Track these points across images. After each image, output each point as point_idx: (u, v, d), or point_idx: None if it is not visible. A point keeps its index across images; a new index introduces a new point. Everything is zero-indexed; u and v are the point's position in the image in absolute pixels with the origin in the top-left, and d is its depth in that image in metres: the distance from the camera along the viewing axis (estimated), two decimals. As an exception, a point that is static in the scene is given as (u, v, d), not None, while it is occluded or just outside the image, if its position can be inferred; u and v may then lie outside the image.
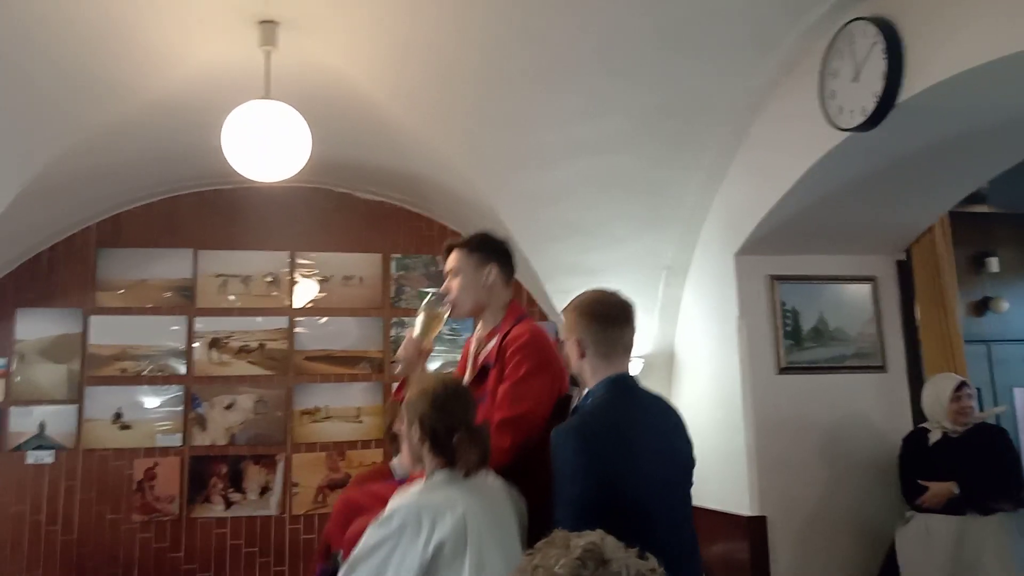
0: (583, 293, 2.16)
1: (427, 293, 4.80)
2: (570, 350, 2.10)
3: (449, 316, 2.51)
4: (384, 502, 2.04)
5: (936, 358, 4.10)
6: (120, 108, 3.62)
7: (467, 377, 2.42)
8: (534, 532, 2.07)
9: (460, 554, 1.82)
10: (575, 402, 2.22)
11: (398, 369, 2.51)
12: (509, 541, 1.95)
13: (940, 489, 3.53)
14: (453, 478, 1.94)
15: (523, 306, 2.47)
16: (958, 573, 3.41)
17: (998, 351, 5.30)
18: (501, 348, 2.29)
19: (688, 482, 2.12)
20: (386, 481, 2.66)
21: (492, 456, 2.07)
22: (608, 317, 2.08)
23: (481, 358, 2.39)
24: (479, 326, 2.49)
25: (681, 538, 2.03)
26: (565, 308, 2.16)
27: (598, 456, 1.89)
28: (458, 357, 2.80)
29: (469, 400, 2.06)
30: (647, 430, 2.01)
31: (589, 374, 2.07)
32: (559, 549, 1.16)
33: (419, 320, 2.47)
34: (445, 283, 2.48)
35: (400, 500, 1.91)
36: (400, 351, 2.49)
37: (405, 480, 2.29)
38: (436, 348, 4.79)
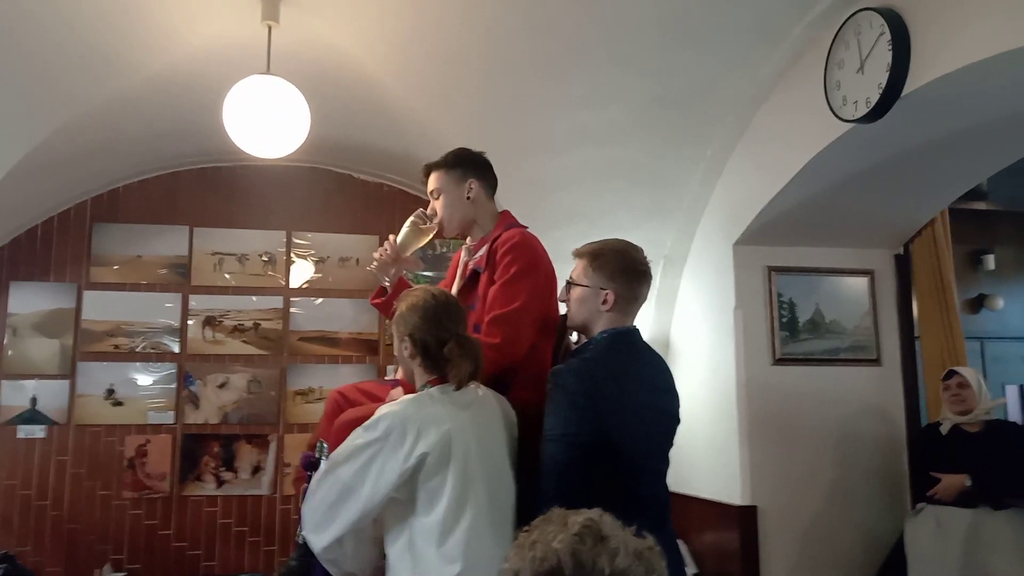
0: (608, 242, 2.12)
1: (424, 279, 4.83)
2: (589, 297, 2.06)
3: (440, 236, 2.51)
4: (374, 399, 2.05)
5: (936, 353, 4.10)
6: (121, 83, 3.59)
7: (456, 283, 2.42)
8: (521, 441, 2.08)
9: (443, 468, 1.83)
10: (573, 344, 2.21)
11: (370, 266, 2.48)
12: (496, 456, 1.96)
13: (952, 481, 3.49)
14: (443, 393, 1.93)
15: (515, 217, 2.46)
16: (969, 566, 3.38)
17: (992, 348, 5.32)
18: (491, 251, 2.28)
19: (671, 440, 2.13)
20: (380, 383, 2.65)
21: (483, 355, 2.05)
22: (642, 275, 2.09)
23: (471, 264, 2.38)
24: (468, 238, 2.47)
25: (662, 491, 2.07)
26: (591, 254, 2.09)
27: (596, 403, 1.89)
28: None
29: (459, 311, 2.04)
30: (644, 386, 2.02)
31: (601, 324, 2.05)
32: (556, 526, 1.16)
33: (404, 229, 2.46)
34: (430, 205, 2.46)
35: (389, 408, 1.90)
36: (377, 252, 2.46)
37: (398, 382, 2.28)
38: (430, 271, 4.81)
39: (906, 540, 3.62)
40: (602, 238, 2.19)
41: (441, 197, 2.42)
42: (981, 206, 5.21)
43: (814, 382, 4.01)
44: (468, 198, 2.40)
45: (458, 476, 1.84)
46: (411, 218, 2.47)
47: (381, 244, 2.49)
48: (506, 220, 2.41)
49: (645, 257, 2.11)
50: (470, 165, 2.43)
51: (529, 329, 2.17)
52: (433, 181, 2.44)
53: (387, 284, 2.49)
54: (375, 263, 2.47)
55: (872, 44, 2.92)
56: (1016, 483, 3.51)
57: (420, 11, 3.22)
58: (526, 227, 2.40)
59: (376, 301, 2.53)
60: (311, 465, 2.13)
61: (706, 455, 4.15)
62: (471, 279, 2.36)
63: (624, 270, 2.06)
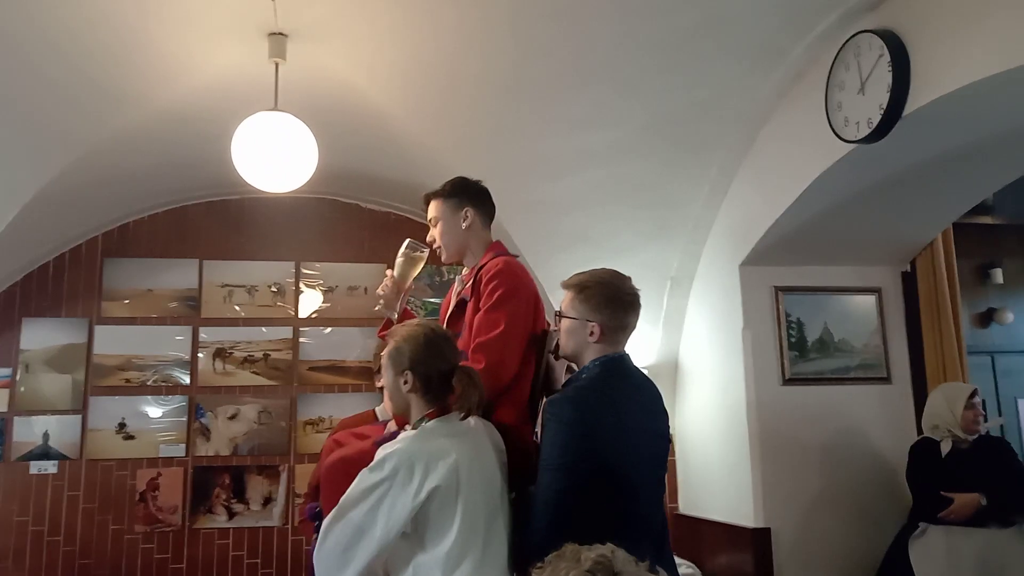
0: (595, 273, 2.14)
1: (431, 304, 4.84)
2: (577, 329, 2.08)
3: (437, 262, 2.55)
4: (371, 441, 2.07)
5: (937, 370, 4.08)
6: (131, 118, 3.64)
7: (447, 313, 2.47)
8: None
9: (451, 501, 1.85)
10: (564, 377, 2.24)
11: (378, 306, 2.55)
12: (494, 485, 1.98)
13: (967, 500, 3.43)
14: (444, 425, 1.95)
15: (505, 247, 2.51)
16: None
17: (1002, 362, 5.28)
18: (476, 280, 2.32)
19: (665, 460, 2.17)
20: (372, 425, 2.68)
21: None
22: (628, 305, 2.11)
23: (460, 293, 2.43)
24: (463, 268, 2.53)
25: (660, 513, 2.10)
26: (577, 286, 2.11)
27: (592, 429, 1.92)
28: None
29: (455, 343, 2.09)
30: (638, 409, 2.05)
31: (591, 354, 2.08)
32: (569, 562, 1.16)
33: (398, 262, 2.52)
34: (430, 232, 2.53)
35: (393, 446, 1.92)
36: (380, 289, 2.52)
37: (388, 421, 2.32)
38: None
39: (914, 563, 3.51)
40: (601, 265, 2.21)
41: (439, 225, 2.48)
42: (987, 220, 5.19)
43: (824, 401, 4.00)
44: (464, 226, 2.45)
45: (466, 508, 1.85)
46: (402, 248, 2.55)
47: (388, 272, 2.55)
48: (494, 249, 2.45)
49: (632, 286, 2.13)
50: (466, 194, 2.48)
51: (513, 353, 2.20)
52: (432, 209, 2.50)
53: (395, 316, 2.53)
54: (381, 301, 2.52)
55: (872, 65, 2.94)
56: (1022, 498, 3.48)
57: (421, 40, 3.26)
58: (515, 256, 2.44)
59: (384, 334, 2.56)
60: (317, 515, 2.13)
61: (718, 477, 4.13)
62: (459, 307, 2.40)
63: (609, 301, 2.08)
